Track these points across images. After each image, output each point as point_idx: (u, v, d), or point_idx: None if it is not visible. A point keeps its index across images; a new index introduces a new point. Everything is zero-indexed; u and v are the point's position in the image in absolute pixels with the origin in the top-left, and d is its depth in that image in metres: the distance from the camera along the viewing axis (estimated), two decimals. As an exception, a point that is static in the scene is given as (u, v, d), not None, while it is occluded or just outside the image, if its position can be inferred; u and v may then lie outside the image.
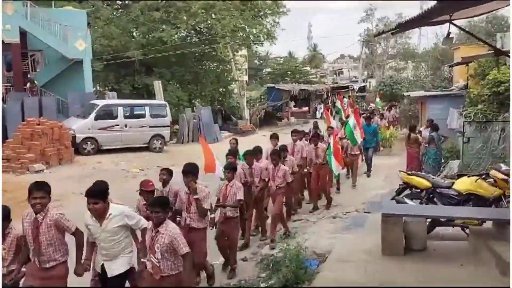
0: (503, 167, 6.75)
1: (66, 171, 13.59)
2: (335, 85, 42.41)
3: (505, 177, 6.37)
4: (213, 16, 25.43)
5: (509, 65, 11.40)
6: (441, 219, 6.43)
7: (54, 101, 18.56)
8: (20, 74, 18.63)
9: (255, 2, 28.39)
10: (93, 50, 21.64)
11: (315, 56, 54.89)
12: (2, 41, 17.70)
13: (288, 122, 30.68)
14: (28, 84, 18.57)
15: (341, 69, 57.54)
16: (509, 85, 10.37)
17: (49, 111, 17.28)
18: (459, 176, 7.35)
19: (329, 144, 9.35)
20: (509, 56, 9.06)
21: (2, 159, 13.34)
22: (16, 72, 18.62)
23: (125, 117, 17.32)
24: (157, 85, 22.19)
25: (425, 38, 69.24)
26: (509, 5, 5.73)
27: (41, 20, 18.95)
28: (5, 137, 15.27)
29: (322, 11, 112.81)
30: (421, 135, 12.66)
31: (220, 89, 29.14)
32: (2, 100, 17.80)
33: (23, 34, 18.51)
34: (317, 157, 9.56)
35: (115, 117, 17.05)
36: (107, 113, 17.09)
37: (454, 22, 5.85)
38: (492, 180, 6.56)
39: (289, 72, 41.11)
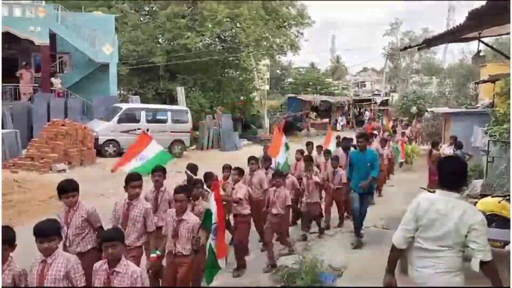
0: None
1: (87, 171, 13.82)
2: (357, 98, 42.09)
3: (530, 199, 6.20)
4: (238, 25, 25.66)
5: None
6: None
7: (79, 103, 18.98)
8: (48, 75, 19.13)
9: (280, 12, 28.55)
10: (119, 54, 22.08)
11: (337, 68, 54.71)
12: (33, 43, 18.27)
13: (308, 132, 30.57)
14: (52, 79, 19.04)
15: (364, 81, 57.20)
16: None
17: (74, 113, 17.68)
18: (482, 196, 7.19)
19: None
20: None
21: (27, 157, 13.67)
22: (44, 73, 19.12)
23: (147, 121, 17.53)
24: (180, 91, 22.46)
25: (450, 54, 68.30)
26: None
27: (71, 23, 19.48)
28: (30, 136, 15.68)
29: (347, 23, 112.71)
30: (441, 152, 12.43)
31: (242, 97, 29.29)
32: (30, 100, 18.30)
33: (52, 36, 19.03)
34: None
35: (138, 121, 17.28)
36: (130, 117, 17.35)
37: (483, 39, 5.78)
38: (516, 201, 6.40)
39: (311, 83, 41.03)
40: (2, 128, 14.99)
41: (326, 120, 35.59)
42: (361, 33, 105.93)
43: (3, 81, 16.83)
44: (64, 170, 13.42)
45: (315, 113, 35.21)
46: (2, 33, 16.84)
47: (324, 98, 36.59)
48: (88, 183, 12.17)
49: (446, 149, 12.76)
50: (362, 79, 59.70)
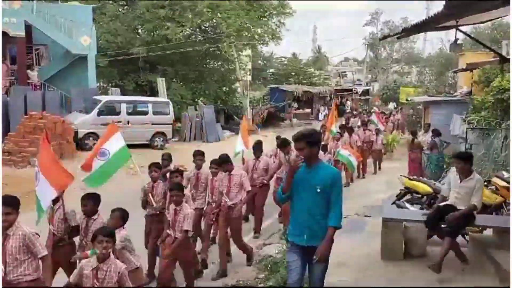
0: (506, 174, 6.74)
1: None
2: (339, 88, 42.31)
3: (507, 185, 6.36)
4: (219, 15, 25.40)
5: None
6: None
7: (58, 95, 18.58)
8: (24, 68, 18.65)
9: (261, 2, 28.36)
10: (98, 46, 21.64)
11: (319, 58, 54.72)
12: (8, 34, 17.75)
13: (290, 123, 30.64)
14: (29, 72, 18.64)
15: (345, 71, 57.39)
16: (511, 91, 10.35)
17: (52, 106, 17.30)
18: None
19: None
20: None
21: (4, 152, 13.36)
22: (20, 66, 18.63)
23: (128, 113, 17.31)
24: (161, 82, 22.20)
25: (430, 43, 69.09)
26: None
27: (47, 14, 18.97)
28: (7, 131, 15.30)
29: (328, 13, 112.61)
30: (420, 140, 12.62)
31: (224, 89, 29.13)
32: (6, 93, 17.84)
33: (28, 28, 18.54)
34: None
35: (118, 113, 17.04)
36: (110, 109, 17.09)
37: (460, 28, 5.84)
38: (493, 187, 6.56)
39: (293, 73, 41.00)
40: (-23, 122, 14.60)
41: (309, 110, 35.74)
42: (341, 23, 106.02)
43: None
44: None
45: (297, 104, 35.31)
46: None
47: (306, 88, 36.67)
48: (68, 177, 12.00)
49: (424, 137, 12.97)
50: (344, 69, 59.94)
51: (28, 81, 18.60)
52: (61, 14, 19.33)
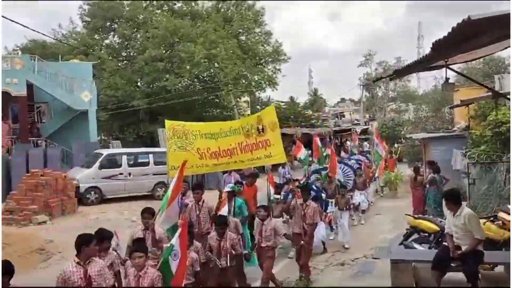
0: (511, 208, 6.64)
1: (69, 222, 13.46)
2: (337, 128, 42.67)
3: (514, 219, 6.26)
4: (216, 65, 26.09)
5: (509, 106, 11.50)
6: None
7: (59, 151, 18.72)
8: (26, 126, 18.92)
9: (257, 50, 29.20)
10: (99, 100, 22.09)
11: (316, 101, 55.58)
12: (9, 94, 18.16)
13: (292, 165, 30.61)
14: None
15: (343, 112, 58.14)
16: (510, 125, 10.43)
17: (53, 162, 17.38)
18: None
19: None
20: (508, 98, 9.16)
21: (6, 211, 13.27)
22: (22, 124, 18.92)
23: (129, 165, 17.34)
24: (161, 132, 22.42)
25: (424, 81, 70.59)
26: (503, 49, 5.87)
27: (48, 73, 19.51)
28: (9, 189, 15.29)
29: (322, 56, 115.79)
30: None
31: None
32: (8, 152, 17.98)
33: (29, 86, 18.98)
34: None
35: (119, 166, 17.08)
36: (111, 162, 17.14)
37: (451, 66, 5.97)
38: (500, 222, 6.45)
39: (292, 117, 41.53)
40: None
41: (309, 152, 35.76)
42: (334, 64, 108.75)
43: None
44: (45, 222, 13.04)
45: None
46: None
47: (305, 130, 36.95)
48: (69, 234, 11.80)
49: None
50: (341, 109, 60.75)
51: (30, 138, 18.82)
52: (62, 72, 19.87)
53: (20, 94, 18.37)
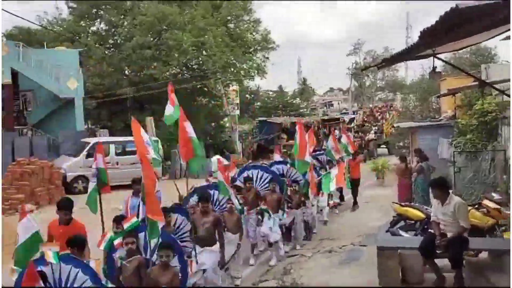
0: (495, 196, 6.78)
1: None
2: (326, 117, 42.83)
3: (498, 207, 6.38)
4: (204, 53, 25.87)
5: (495, 96, 11.64)
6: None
7: (45, 140, 18.51)
8: (11, 114, 18.63)
9: (245, 38, 29.01)
10: (85, 88, 21.80)
11: (305, 90, 55.67)
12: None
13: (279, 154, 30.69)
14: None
15: (331, 101, 58.34)
16: (496, 115, 10.58)
17: (40, 151, 17.20)
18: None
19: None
20: (494, 88, 9.27)
21: (-9, 200, 13.11)
22: (7, 112, 18.62)
23: (117, 154, 17.24)
24: (149, 121, 22.26)
25: (411, 70, 71.02)
26: (490, 39, 5.92)
27: (34, 60, 19.16)
28: (-6, 178, 15.09)
29: (311, 45, 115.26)
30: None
31: (212, 124, 29.31)
32: (-7, 141, 17.71)
33: (14, 74, 18.65)
34: None
35: (107, 155, 16.96)
36: (99, 151, 17.00)
37: (438, 56, 6.01)
38: (484, 209, 6.57)
39: (280, 106, 41.55)
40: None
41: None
42: (326, 54, 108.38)
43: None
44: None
45: (286, 135, 35.50)
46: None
47: (294, 119, 37.03)
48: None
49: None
50: (330, 99, 60.92)
51: (16, 127, 18.56)
52: (48, 60, 19.54)
53: (5, 82, 18.03)
